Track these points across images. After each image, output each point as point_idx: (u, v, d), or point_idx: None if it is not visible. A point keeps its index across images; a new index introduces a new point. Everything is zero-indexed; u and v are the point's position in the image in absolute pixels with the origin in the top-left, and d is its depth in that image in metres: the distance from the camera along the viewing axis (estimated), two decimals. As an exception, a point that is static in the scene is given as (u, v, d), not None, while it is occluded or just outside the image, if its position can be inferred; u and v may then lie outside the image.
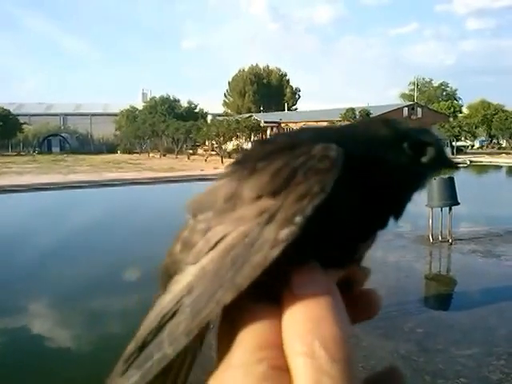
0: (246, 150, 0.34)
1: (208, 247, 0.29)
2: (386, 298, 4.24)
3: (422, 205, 6.71)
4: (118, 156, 36.05)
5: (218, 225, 0.29)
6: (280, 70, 62.84)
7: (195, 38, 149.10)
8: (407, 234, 7.58)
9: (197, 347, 0.32)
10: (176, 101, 48.46)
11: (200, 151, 34.03)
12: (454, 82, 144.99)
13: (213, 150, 31.43)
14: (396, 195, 0.33)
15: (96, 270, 6.39)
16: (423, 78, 63.43)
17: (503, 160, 27.81)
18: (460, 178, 9.28)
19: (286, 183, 0.28)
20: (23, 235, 9.05)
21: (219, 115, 48.76)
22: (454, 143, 32.69)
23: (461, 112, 51.96)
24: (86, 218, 10.69)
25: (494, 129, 41.35)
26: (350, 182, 0.30)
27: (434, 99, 58.42)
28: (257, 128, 30.61)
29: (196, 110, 48.53)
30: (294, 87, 62.28)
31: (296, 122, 40.13)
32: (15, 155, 37.95)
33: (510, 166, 25.25)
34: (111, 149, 42.23)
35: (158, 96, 48.72)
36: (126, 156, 35.75)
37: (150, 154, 36.33)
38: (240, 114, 48.56)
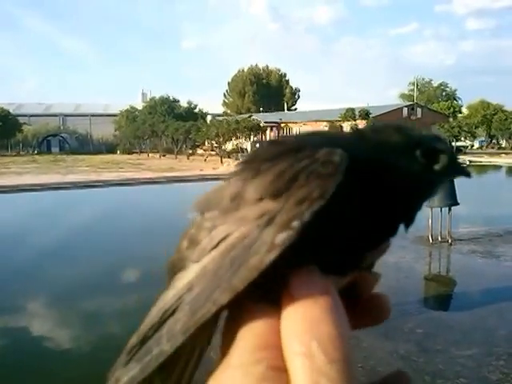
0: (256, 149, 0.33)
1: (211, 246, 0.29)
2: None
3: (421, 205, 6.71)
4: (118, 156, 36.00)
5: (223, 224, 0.29)
6: (280, 70, 62.96)
7: (195, 38, 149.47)
8: (407, 235, 7.55)
9: (204, 345, 0.31)
10: (176, 101, 48.44)
11: (199, 151, 33.98)
12: (453, 82, 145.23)
13: (212, 150, 31.39)
14: (407, 203, 0.33)
15: (95, 269, 6.38)
16: (423, 78, 63.52)
17: (503, 160, 27.78)
18: (460, 178, 9.24)
19: (288, 186, 0.28)
20: (23, 235, 9.03)
21: (219, 115, 48.71)
22: (453, 143, 32.67)
23: (460, 112, 51.97)
24: (85, 218, 10.67)
25: (493, 129, 41.44)
26: (354, 188, 0.29)
27: (434, 99, 58.41)
28: (256, 128, 30.46)
29: (196, 111, 48.47)
30: (294, 87, 62.38)
31: (296, 122, 40.15)
32: (14, 155, 37.93)
33: (509, 166, 25.23)
34: (110, 149, 42.21)
35: (157, 96, 48.72)
36: (126, 156, 35.71)
37: (150, 154, 36.31)
38: (240, 114, 48.51)
